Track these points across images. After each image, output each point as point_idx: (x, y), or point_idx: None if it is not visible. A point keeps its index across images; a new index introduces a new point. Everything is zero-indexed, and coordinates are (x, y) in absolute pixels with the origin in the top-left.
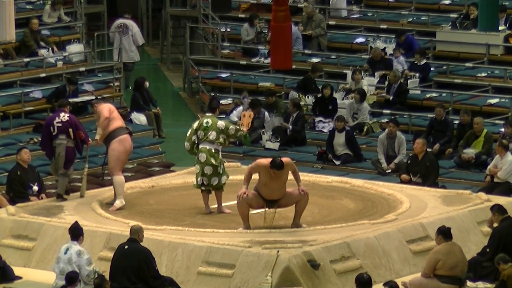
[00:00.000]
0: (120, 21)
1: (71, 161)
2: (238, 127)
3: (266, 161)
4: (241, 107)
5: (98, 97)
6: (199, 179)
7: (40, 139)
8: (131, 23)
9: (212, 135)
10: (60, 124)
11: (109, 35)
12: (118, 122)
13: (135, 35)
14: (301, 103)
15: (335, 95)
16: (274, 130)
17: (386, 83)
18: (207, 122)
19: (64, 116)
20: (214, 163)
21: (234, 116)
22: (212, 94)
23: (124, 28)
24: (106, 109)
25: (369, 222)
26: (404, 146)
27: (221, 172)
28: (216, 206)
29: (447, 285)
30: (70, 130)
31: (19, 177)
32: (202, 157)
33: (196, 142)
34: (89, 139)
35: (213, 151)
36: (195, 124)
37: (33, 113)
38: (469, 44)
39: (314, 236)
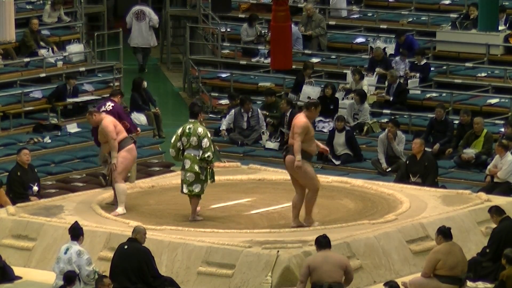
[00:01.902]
0: (137, 7)
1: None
2: (212, 148)
3: (301, 116)
4: (232, 111)
5: (95, 105)
6: (182, 185)
7: (39, 139)
8: (147, 9)
9: (194, 141)
10: (105, 112)
11: (126, 21)
12: (123, 133)
13: (152, 20)
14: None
15: (336, 95)
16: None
17: (386, 83)
18: (189, 128)
19: (109, 106)
20: (197, 170)
21: (224, 123)
22: (197, 96)
23: (141, 14)
24: (111, 127)
25: (369, 222)
26: (403, 143)
27: (203, 178)
28: (216, 206)
29: (447, 285)
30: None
31: (19, 177)
32: (187, 163)
33: (181, 148)
34: (138, 128)
35: (197, 157)
36: (179, 131)
37: (33, 113)
38: (469, 44)
39: (314, 236)
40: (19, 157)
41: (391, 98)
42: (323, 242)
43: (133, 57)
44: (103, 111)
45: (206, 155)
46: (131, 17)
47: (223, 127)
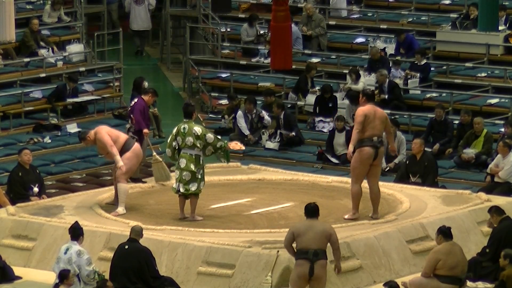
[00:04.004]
0: None
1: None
2: (219, 137)
3: (363, 107)
4: (240, 112)
5: (80, 130)
6: (177, 184)
7: (39, 139)
8: None
9: (189, 141)
10: (129, 108)
11: (124, 5)
12: (122, 136)
13: (151, 3)
14: (299, 103)
15: (336, 95)
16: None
17: (377, 84)
18: (184, 128)
19: (134, 101)
20: (193, 169)
21: (243, 128)
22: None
23: None
24: (106, 136)
25: (369, 222)
26: (404, 146)
27: (199, 177)
28: (216, 206)
29: (447, 285)
30: (132, 115)
31: (20, 178)
32: (182, 162)
33: (177, 148)
34: (144, 130)
35: (193, 157)
36: (174, 130)
37: (33, 113)
38: (469, 44)
39: None
40: (20, 157)
41: (386, 96)
42: (310, 210)
43: (132, 57)
44: (130, 106)
45: (218, 145)
46: (129, 2)
47: (247, 132)
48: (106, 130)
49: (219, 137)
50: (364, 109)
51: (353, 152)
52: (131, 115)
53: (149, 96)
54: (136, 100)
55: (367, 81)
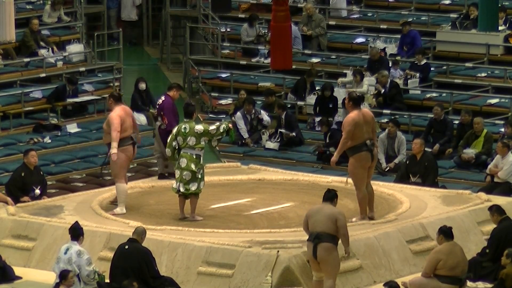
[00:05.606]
0: None
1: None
2: (218, 123)
3: (352, 115)
4: (239, 113)
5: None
6: (177, 184)
7: (39, 139)
8: None
9: (192, 140)
10: (157, 106)
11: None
12: (128, 131)
13: None
14: (299, 103)
15: (336, 89)
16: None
17: (379, 84)
18: (184, 128)
19: (161, 100)
20: (193, 169)
21: (244, 131)
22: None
23: None
24: (117, 121)
25: (369, 222)
26: (404, 146)
27: (200, 177)
28: (216, 206)
29: (447, 285)
30: (162, 113)
31: (23, 178)
32: (183, 162)
33: (177, 148)
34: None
35: (194, 156)
36: (175, 130)
37: (33, 113)
38: (469, 44)
39: None
40: (26, 158)
41: (383, 91)
42: (326, 195)
43: (131, 56)
44: (157, 104)
45: (222, 129)
46: None
47: (246, 135)
48: (120, 115)
49: (217, 123)
50: (354, 116)
51: (343, 158)
52: (161, 113)
53: (173, 91)
54: (163, 98)
55: (368, 81)
